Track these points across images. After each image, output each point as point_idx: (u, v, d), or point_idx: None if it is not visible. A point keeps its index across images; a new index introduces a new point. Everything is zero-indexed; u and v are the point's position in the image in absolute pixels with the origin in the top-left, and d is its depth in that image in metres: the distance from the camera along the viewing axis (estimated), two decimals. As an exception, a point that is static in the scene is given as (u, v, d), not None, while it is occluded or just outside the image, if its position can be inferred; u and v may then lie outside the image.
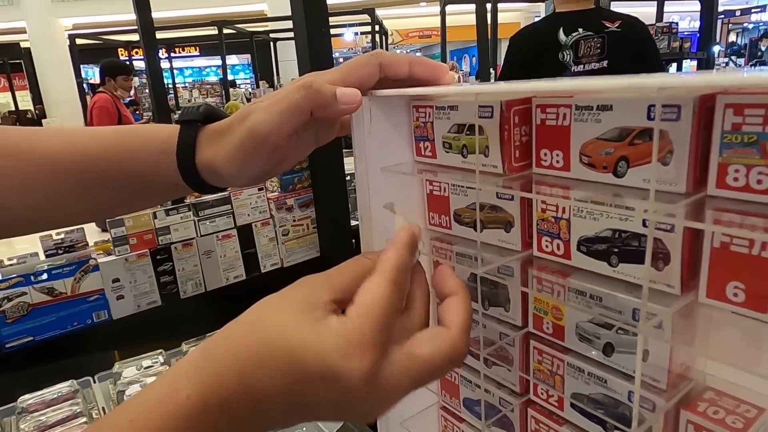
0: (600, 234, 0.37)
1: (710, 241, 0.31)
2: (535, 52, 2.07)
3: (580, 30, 1.96)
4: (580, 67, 1.98)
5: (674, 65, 4.15)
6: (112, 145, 0.48)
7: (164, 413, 0.31)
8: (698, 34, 4.19)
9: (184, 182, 0.47)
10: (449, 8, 8.56)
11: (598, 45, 1.97)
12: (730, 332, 0.33)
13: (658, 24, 4.07)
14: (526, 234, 0.43)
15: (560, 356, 0.42)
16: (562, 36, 1.97)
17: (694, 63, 4.61)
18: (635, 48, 2.05)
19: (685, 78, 0.27)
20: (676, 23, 4.11)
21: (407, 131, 0.49)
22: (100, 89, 4.20)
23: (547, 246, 0.41)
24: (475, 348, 0.49)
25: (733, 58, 8.83)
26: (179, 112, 0.49)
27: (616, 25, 1.98)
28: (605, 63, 1.98)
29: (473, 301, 0.49)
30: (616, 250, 0.36)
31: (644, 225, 0.34)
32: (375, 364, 0.30)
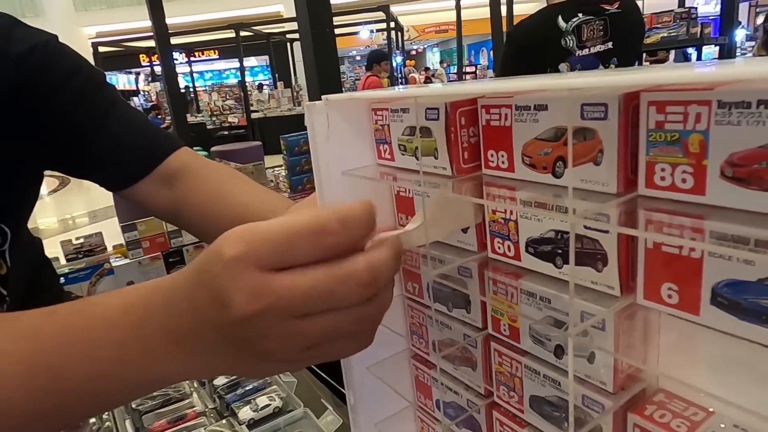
0: (544, 235, 0.36)
1: (644, 242, 0.30)
2: (536, 40, 2.01)
3: (580, 15, 1.91)
4: (585, 51, 1.94)
5: (694, 52, 4.03)
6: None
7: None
8: (719, 18, 4.06)
9: None
10: (465, 2, 8.48)
11: (601, 27, 1.92)
12: (668, 335, 0.32)
13: (676, 10, 3.96)
14: (482, 235, 0.42)
15: (518, 358, 0.42)
16: (561, 22, 1.92)
17: (716, 49, 4.46)
18: (635, 29, 2.03)
19: (600, 78, 0.26)
20: (695, 8, 3.99)
21: (369, 134, 0.49)
22: (369, 73, 6.11)
23: (499, 247, 0.40)
24: (441, 349, 0.49)
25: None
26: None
27: (616, 6, 1.94)
28: (610, 44, 1.94)
29: (439, 303, 0.49)
30: (559, 251, 0.35)
31: (585, 227, 0.34)
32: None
